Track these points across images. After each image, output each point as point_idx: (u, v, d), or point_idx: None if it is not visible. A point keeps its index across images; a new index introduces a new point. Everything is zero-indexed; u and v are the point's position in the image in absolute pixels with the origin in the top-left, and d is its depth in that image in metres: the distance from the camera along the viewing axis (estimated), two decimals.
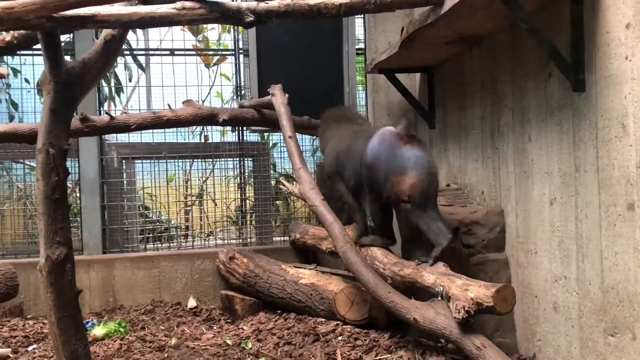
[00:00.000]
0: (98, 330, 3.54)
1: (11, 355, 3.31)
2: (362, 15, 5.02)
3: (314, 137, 5.19)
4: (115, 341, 3.39)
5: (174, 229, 6.19)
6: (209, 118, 3.89)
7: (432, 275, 2.82)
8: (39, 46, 3.21)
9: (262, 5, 2.75)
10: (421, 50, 3.76)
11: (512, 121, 3.20)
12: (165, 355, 3.13)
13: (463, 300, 2.52)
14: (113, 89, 6.42)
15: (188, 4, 2.62)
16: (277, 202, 6.38)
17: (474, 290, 2.52)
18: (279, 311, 3.88)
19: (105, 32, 2.70)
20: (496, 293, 2.42)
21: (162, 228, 6.20)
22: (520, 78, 3.10)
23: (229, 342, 3.37)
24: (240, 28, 5.08)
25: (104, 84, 6.28)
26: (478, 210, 3.44)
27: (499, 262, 3.34)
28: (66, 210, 2.64)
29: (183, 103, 3.89)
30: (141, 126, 3.64)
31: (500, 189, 3.38)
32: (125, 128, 3.59)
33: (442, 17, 2.90)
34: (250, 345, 3.30)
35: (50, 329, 2.63)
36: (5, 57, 4.32)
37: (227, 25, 5.59)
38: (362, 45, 5.35)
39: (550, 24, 2.69)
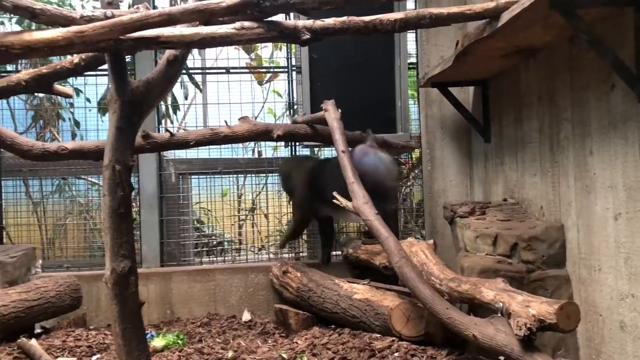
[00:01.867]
0: (157, 342, 3.63)
1: None
2: (414, 30, 5.02)
3: None
4: (174, 353, 3.46)
5: (228, 243, 6.30)
6: (264, 134, 3.96)
7: (492, 291, 2.77)
8: (100, 67, 3.37)
9: (318, 23, 2.80)
10: (476, 63, 3.74)
11: (572, 134, 3.12)
12: None
13: (524, 317, 2.46)
14: (170, 106, 6.63)
15: (247, 23, 2.70)
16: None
17: (535, 307, 2.46)
18: (332, 326, 3.88)
19: (168, 53, 2.81)
20: (559, 310, 2.35)
21: (216, 242, 6.33)
22: (580, 90, 3.03)
23: (284, 355, 3.39)
24: (293, 45, 5.17)
25: (161, 102, 6.51)
26: (537, 225, 3.36)
27: (559, 279, 3.25)
28: (130, 225, 2.74)
29: (239, 120, 3.99)
30: (199, 142, 3.74)
31: (560, 204, 3.29)
32: (184, 144, 3.70)
33: (498, 30, 2.88)
34: (305, 359, 3.31)
35: (115, 340, 2.72)
36: (69, 78, 4.52)
37: (279, 43, 5.69)
38: (413, 60, 5.34)
39: (612, 34, 2.63)
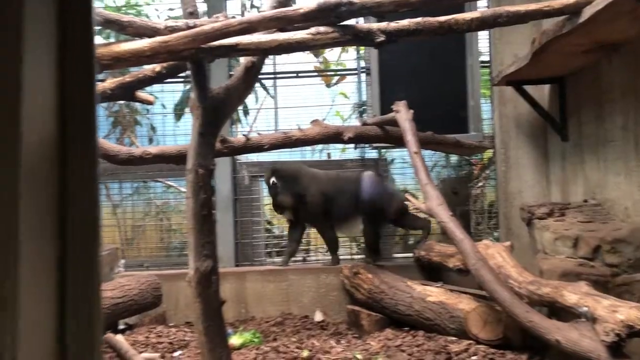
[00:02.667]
0: (235, 340, 3.73)
1: None
2: (489, 29, 4.93)
3: (438, 152, 5.17)
4: (251, 350, 3.55)
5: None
6: (334, 136, 4.00)
7: (574, 294, 2.69)
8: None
9: (393, 24, 2.81)
10: (553, 61, 3.63)
11: None
12: None
13: (612, 323, 2.37)
14: (241, 111, 6.80)
15: (322, 29, 2.75)
16: None
17: (624, 312, 2.37)
18: (406, 328, 3.86)
19: (246, 60, 2.89)
20: None
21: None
22: None
23: (359, 356, 3.41)
24: (362, 47, 5.19)
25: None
26: (622, 227, 3.22)
27: None
28: (212, 226, 2.85)
29: (311, 123, 4.04)
30: (273, 146, 3.83)
31: None
32: (259, 148, 3.80)
33: (579, 26, 2.80)
34: None
35: (198, 337, 2.82)
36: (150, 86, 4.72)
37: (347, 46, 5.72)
38: (485, 57, 5.24)
39: None
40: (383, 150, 5.75)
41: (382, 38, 2.78)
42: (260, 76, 6.27)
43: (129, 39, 2.74)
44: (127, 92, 3.89)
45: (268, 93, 6.74)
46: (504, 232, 4.76)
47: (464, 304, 3.45)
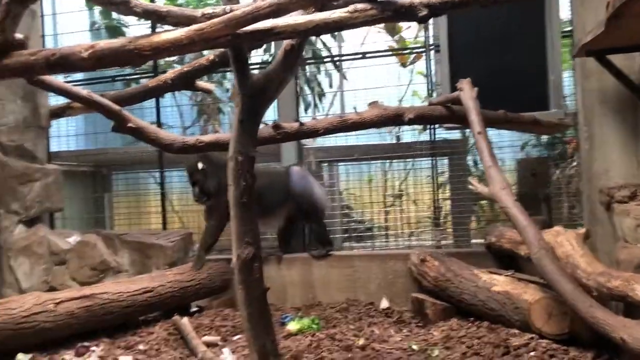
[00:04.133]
0: (292, 326, 3.73)
1: (219, 343, 3.66)
2: None
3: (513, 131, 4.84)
4: (306, 337, 3.54)
5: (376, 229, 6.28)
6: (394, 118, 3.84)
7: None
8: None
9: None
10: (636, 25, 3.23)
11: None
12: (350, 355, 3.16)
13: None
14: (316, 95, 6.78)
15: (360, 6, 2.61)
16: (480, 202, 6.08)
17: None
18: (472, 318, 3.67)
19: (285, 43, 2.82)
20: None
21: (364, 228, 6.35)
22: None
23: (414, 347, 3.28)
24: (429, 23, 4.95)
25: (307, 91, 6.68)
26: None
27: None
28: (254, 213, 2.83)
29: (368, 105, 3.92)
30: (328, 130, 3.75)
31: None
32: (314, 133, 3.73)
33: None
34: (436, 352, 3.17)
35: (243, 323, 2.84)
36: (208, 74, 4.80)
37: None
38: (569, 27, 4.81)
39: None
40: (466, 131, 5.47)
41: (424, 12, 2.58)
42: (325, 59, 6.25)
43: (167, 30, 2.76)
44: (187, 81, 3.99)
45: (343, 76, 6.67)
46: (587, 217, 4.38)
47: (529, 294, 3.21)
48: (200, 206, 6.60)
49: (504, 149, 5.46)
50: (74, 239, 4.91)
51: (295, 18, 2.67)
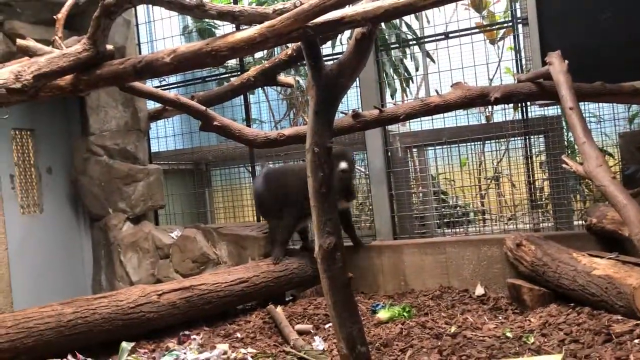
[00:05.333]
0: (382, 314, 3.74)
1: (312, 331, 3.75)
2: None
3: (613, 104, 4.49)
4: (397, 325, 3.53)
5: (473, 214, 6.09)
6: (479, 98, 3.69)
7: None
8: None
9: None
10: None
11: None
12: (439, 343, 3.11)
13: None
14: (403, 81, 6.66)
15: None
16: (584, 181, 5.70)
17: None
18: (572, 304, 3.48)
19: (356, 32, 2.81)
20: None
21: (459, 213, 6.18)
22: None
23: (509, 334, 3.17)
24: None
25: (395, 77, 6.59)
26: None
27: None
28: (333, 203, 2.85)
29: (452, 86, 3.79)
30: (410, 115, 3.68)
31: None
32: (394, 119, 3.68)
33: None
34: (532, 340, 3.05)
35: (329, 312, 2.88)
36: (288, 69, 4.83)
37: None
38: None
39: None
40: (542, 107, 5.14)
41: None
42: (404, 42, 6.10)
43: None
44: (268, 77, 4.09)
45: (431, 59, 6.50)
46: None
47: (633, 278, 2.98)
48: None
49: (605, 122, 5.08)
50: (176, 233, 5.22)
51: (364, 5, 2.65)
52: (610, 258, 3.46)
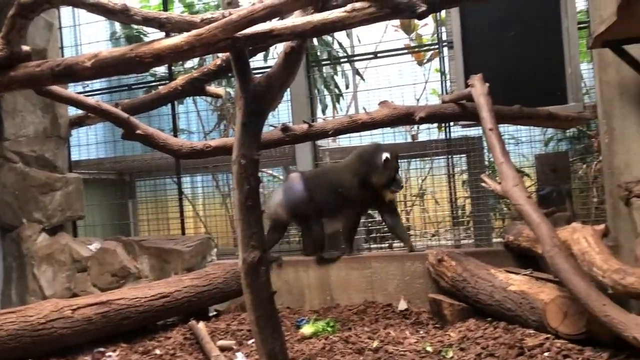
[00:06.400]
0: (306, 329, 3.71)
1: (235, 347, 3.67)
2: None
3: (530, 127, 4.73)
4: (320, 340, 3.51)
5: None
6: (405, 117, 3.80)
7: None
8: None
9: None
10: None
11: None
12: (361, 358, 3.13)
13: None
14: (334, 97, 6.74)
15: (358, 4, 2.59)
16: (504, 199, 5.95)
17: None
18: (489, 319, 3.59)
19: (285, 46, 2.81)
20: None
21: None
22: None
23: (428, 349, 3.23)
24: (443, 18, 4.88)
25: (326, 92, 6.66)
26: None
27: None
28: (259, 217, 2.82)
29: (379, 105, 3.88)
30: (338, 131, 3.72)
31: None
32: (323, 134, 3.71)
33: None
34: (451, 354, 3.12)
35: (252, 328, 2.83)
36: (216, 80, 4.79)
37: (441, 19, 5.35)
38: (587, 19, 4.68)
39: None
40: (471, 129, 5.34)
41: (423, 8, 2.55)
42: (334, 60, 6.20)
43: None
44: (196, 87, 4.02)
45: (360, 76, 6.62)
46: (610, 213, 4.24)
47: (545, 294, 3.12)
48: (221, 212, 6.66)
49: (523, 144, 5.35)
50: (95, 246, 5.01)
51: (294, 20, 2.67)
52: (525, 274, 3.61)
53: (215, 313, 4.56)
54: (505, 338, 3.13)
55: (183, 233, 5.30)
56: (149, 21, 2.75)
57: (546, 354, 2.74)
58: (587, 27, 4.53)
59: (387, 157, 4.31)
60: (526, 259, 4.04)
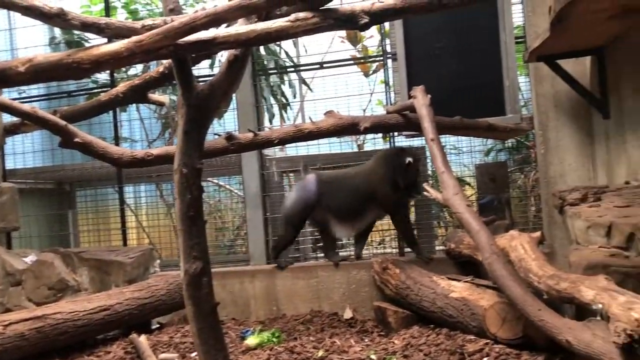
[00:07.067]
0: (251, 340, 3.68)
1: None
2: None
3: (470, 137, 4.86)
4: (265, 351, 3.48)
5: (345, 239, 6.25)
6: (350, 127, 3.83)
7: (592, 290, 2.40)
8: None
9: (377, 5, 2.62)
10: (579, 30, 3.29)
11: None
12: None
13: (624, 322, 2.08)
14: (281, 106, 6.74)
15: (301, 14, 2.60)
16: (444, 209, 6.09)
17: (639, 310, 2.07)
18: (432, 325, 3.66)
19: (228, 54, 2.79)
20: None
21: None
22: None
23: (373, 357, 3.25)
24: (387, 31, 4.98)
25: (273, 101, 6.65)
26: None
27: None
28: (202, 227, 2.77)
29: (325, 114, 3.90)
30: (283, 140, 3.72)
31: None
32: (268, 143, 3.70)
33: None
34: None
35: (194, 340, 2.77)
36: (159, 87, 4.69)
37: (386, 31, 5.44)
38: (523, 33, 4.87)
39: None
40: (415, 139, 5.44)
41: (366, 20, 2.59)
42: (281, 70, 6.23)
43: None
44: (138, 94, 3.93)
45: (307, 86, 6.65)
46: (546, 221, 4.41)
47: (485, 300, 3.20)
48: (166, 222, 6.52)
49: (464, 154, 5.49)
50: (31, 258, 4.80)
51: (237, 28, 2.65)
52: (466, 281, 3.70)
53: (158, 326, 4.45)
54: (447, 344, 3.19)
55: (125, 244, 5.16)
56: (88, 26, 2.68)
57: (485, 358, 2.80)
58: (524, 41, 4.71)
59: (409, 161, 4.27)
60: (468, 265, 4.14)
